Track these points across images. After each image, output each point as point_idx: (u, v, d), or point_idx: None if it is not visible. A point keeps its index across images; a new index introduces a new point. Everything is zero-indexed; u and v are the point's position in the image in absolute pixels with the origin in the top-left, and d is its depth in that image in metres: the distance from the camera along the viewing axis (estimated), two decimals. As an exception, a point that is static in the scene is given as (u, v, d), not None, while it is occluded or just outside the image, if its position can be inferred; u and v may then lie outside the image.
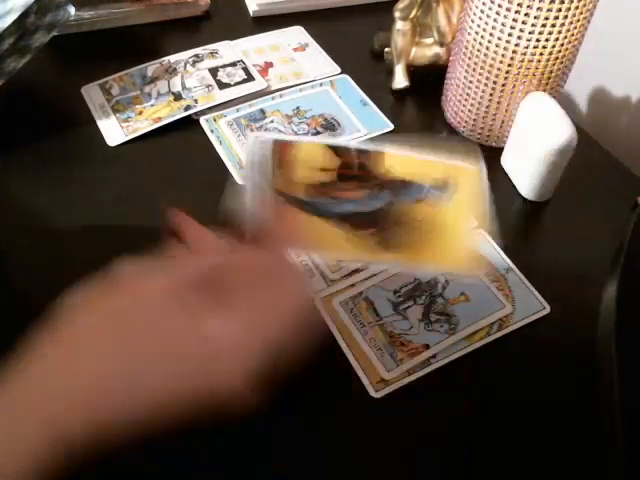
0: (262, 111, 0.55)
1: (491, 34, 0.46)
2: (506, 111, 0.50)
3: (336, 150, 0.36)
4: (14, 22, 0.46)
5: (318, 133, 0.53)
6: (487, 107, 0.51)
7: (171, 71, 0.58)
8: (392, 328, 0.40)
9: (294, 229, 0.32)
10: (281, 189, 0.33)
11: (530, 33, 0.45)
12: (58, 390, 0.27)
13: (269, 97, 0.56)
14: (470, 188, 0.36)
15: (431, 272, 0.40)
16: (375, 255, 0.34)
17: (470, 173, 0.36)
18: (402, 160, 0.36)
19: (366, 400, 0.37)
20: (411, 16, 0.55)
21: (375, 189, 0.35)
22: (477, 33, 0.47)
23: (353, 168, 0.35)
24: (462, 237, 0.36)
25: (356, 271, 0.43)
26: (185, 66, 0.58)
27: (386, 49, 0.59)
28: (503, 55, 0.47)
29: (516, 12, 0.44)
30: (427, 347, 0.39)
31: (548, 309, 0.42)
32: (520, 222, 0.49)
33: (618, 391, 0.34)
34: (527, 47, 0.46)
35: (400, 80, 0.57)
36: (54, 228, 0.45)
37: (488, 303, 0.42)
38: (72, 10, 0.49)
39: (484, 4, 0.45)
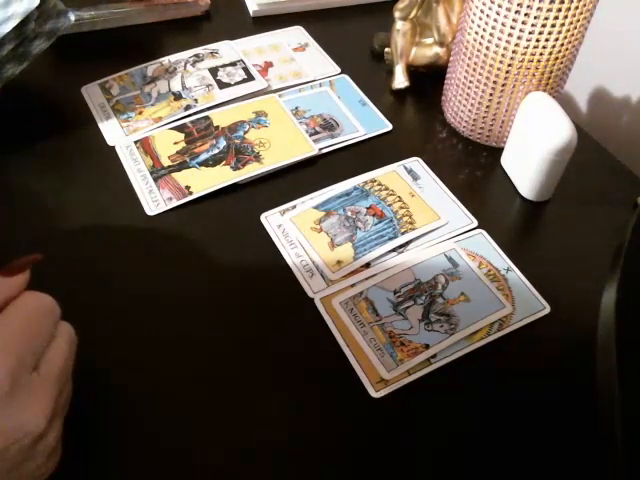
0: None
1: (491, 34, 0.46)
2: (506, 111, 0.50)
3: (177, 128, 0.52)
4: (14, 28, 0.46)
5: (317, 133, 0.53)
6: (487, 107, 0.51)
7: (171, 71, 0.58)
8: (392, 328, 0.40)
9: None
10: (150, 168, 0.49)
11: (530, 33, 0.45)
12: None
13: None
14: (276, 110, 0.54)
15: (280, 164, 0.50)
16: (232, 174, 0.49)
17: (271, 102, 0.55)
18: (224, 114, 0.54)
19: (366, 400, 0.37)
20: (411, 16, 0.55)
21: (214, 140, 0.51)
22: (477, 33, 0.47)
23: (194, 134, 0.52)
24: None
25: (356, 271, 0.43)
26: (185, 66, 0.59)
27: (386, 49, 0.59)
28: (503, 55, 0.47)
29: (516, 12, 0.44)
30: (427, 347, 0.39)
31: (548, 309, 0.42)
32: (520, 222, 0.49)
33: (618, 391, 0.34)
34: (527, 47, 0.46)
35: (400, 80, 0.57)
36: (54, 228, 0.45)
37: (488, 303, 0.42)
38: (72, 17, 0.49)
39: (484, 4, 0.45)
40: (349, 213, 0.46)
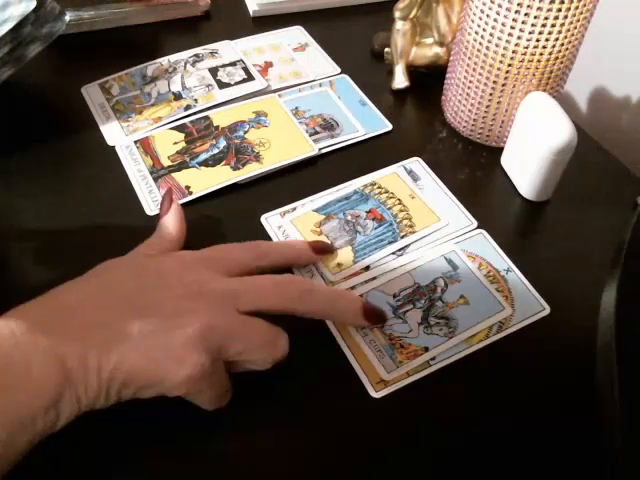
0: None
1: (491, 34, 0.46)
2: (506, 111, 0.50)
3: (177, 128, 0.52)
4: (10, 31, 0.46)
5: (316, 133, 0.53)
6: (487, 107, 0.51)
7: (171, 71, 0.58)
8: (392, 331, 0.40)
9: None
10: (150, 168, 0.49)
11: (530, 33, 0.45)
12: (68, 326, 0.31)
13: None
14: (276, 110, 0.54)
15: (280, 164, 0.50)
16: (232, 174, 0.49)
17: (271, 102, 0.55)
18: (223, 114, 0.54)
19: (366, 400, 0.37)
20: (411, 16, 0.55)
21: (214, 140, 0.51)
22: (477, 33, 0.47)
23: (194, 134, 0.52)
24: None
25: (356, 273, 0.43)
26: (185, 66, 0.58)
27: (386, 49, 0.59)
28: (503, 55, 0.47)
29: (516, 12, 0.44)
30: (426, 350, 0.39)
31: (548, 310, 0.42)
32: (520, 222, 0.49)
33: (618, 391, 0.35)
34: (527, 47, 0.45)
35: (400, 80, 0.57)
36: (54, 228, 0.45)
37: (487, 306, 0.42)
38: (67, 18, 0.50)
39: (484, 4, 0.45)
40: (349, 217, 0.46)
